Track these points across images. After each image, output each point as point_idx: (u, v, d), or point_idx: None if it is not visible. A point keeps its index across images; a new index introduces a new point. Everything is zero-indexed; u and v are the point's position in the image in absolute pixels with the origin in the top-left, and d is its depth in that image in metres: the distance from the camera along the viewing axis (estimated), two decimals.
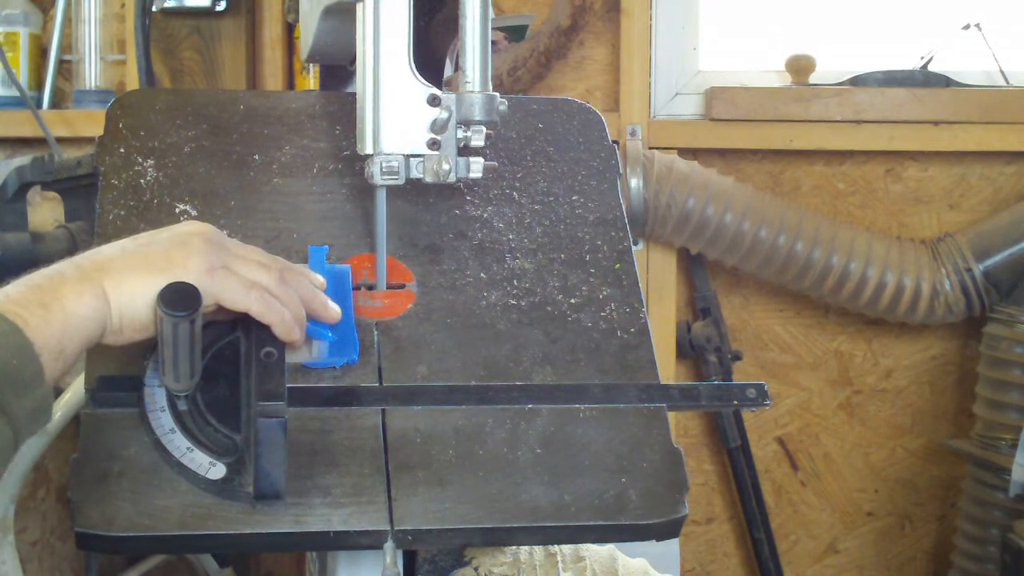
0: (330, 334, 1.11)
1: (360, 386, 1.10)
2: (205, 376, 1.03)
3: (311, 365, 1.11)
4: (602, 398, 1.12)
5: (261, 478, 0.99)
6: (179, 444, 1.02)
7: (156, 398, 1.04)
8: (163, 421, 1.03)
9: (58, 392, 1.63)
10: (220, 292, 1.02)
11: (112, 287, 0.99)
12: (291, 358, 1.06)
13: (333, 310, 1.10)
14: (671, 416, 1.13)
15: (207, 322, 1.05)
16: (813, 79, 2.52)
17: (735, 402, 1.16)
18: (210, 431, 1.03)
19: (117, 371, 1.05)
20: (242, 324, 1.07)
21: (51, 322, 0.95)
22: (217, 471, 1.01)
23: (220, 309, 1.05)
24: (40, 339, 0.94)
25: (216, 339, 1.07)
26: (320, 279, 1.12)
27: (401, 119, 1.15)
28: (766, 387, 1.16)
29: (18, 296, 0.96)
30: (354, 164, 1.27)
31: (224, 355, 1.06)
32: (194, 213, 1.20)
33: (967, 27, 2.55)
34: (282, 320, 1.05)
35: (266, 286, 1.05)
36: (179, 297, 0.98)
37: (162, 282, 0.99)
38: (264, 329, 1.04)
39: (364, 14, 1.15)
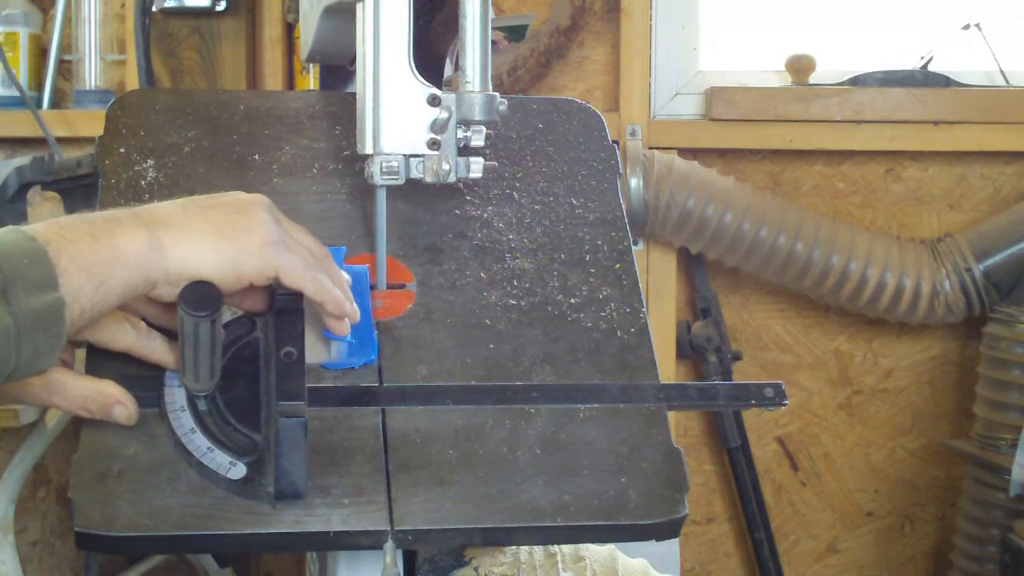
0: (349, 335, 1.12)
1: (380, 386, 1.10)
2: (225, 376, 1.03)
3: (330, 366, 1.11)
4: (619, 397, 1.12)
5: (281, 478, 0.99)
6: (199, 444, 1.02)
7: (176, 398, 1.04)
8: (183, 421, 1.03)
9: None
10: (281, 266, 1.03)
11: (172, 242, 1.00)
12: (310, 359, 1.06)
13: (355, 310, 1.10)
14: (671, 416, 1.13)
15: (226, 322, 1.05)
16: (813, 79, 2.53)
17: (753, 402, 1.16)
18: (230, 431, 1.03)
19: (116, 372, 1.05)
20: (262, 323, 1.07)
21: (97, 251, 0.96)
22: (237, 471, 1.01)
23: (245, 298, 1.06)
24: (84, 263, 0.94)
25: (236, 339, 1.07)
26: (347, 276, 1.12)
27: (401, 119, 1.15)
28: (783, 387, 1.15)
29: (69, 224, 0.97)
30: (354, 164, 1.27)
31: (243, 355, 1.06)
32: None
33: (967, 27, 2.55)
34: (334, 299, 1.06)
35: (318, 266, 1.06)
36: (200, 297, 0.98)
37: (227, 246, 1.01)
38: (284, 328, 1.04)
39: (364, 14, 1.15)
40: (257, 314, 1.08)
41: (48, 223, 0.96)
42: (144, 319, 1.05)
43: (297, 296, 1.06)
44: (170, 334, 1.05)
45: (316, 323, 1.10)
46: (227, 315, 1.07)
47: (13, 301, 0.91)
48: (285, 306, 1.05)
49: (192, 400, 1.04)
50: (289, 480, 0.99)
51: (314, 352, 1.09)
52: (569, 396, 1.12)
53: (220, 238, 1.01)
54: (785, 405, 1.15)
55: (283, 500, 0.99)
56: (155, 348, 1.05)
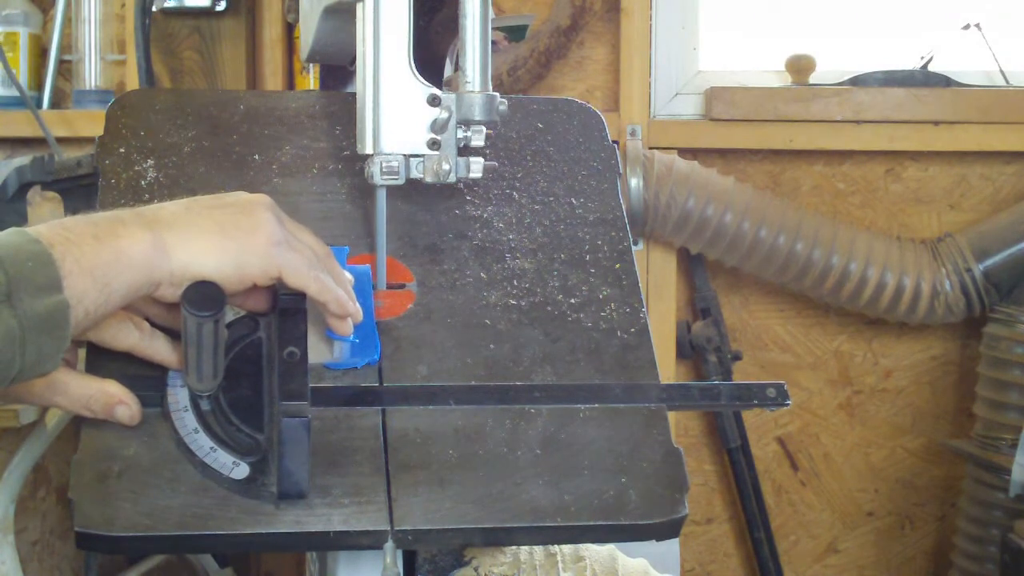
0: (352, 335, 1.12)
1: (382, 386, 1.10)
2: (228, 376, 1.03)
3: (333, 366, 1.11)
4: (622, 398, 1.12)
5: (284, 478, 0.99)
6: (202, 444, 1.02)
7: (179, 398, 1.04)
8: (186, 421, 1.03)
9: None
10: (284, 266, 1.03)
11: (176, 242, 1.00)
12: (313, 359, 1.06)
13: (358, 310, 1.10)
14: (671, 416, 1.13)
15: (229, 322, 1.05)
16: (813, 79, 2.52)
17: (755, 402, 1.16)
18: (233, 431, 1.03)
19: (118, 372, 1.05)
20: (265, 323, 1.07)
21: (101, 253, 0.96)
22: (241, 471, 1.01)
23: (248, 298, 1.06)
24: (88, 265, 0.94)
25: (239, 339, 1.07)
26: (349, 276, 1.12)
27: (401, 119, 1.15)
28: (786, 387, 1.16)
29: (73, 225, 0.97)
30: (354, 164, 1.27)
31: (246, 355, 1.07)
32: None
33: (967, 27, 2.55)
34: (337, 298, 1.07)
35: (320, 266, 1.06)
36: (203, 297, 0.98)
37: (230, 246, 1.01)
38: (287, 328, 1.04)
39: (364, 14, 1.15)
40: (260, 314, 1.08)
41: (52, 224, 0.96)
42: (147, 319, 1.05)
43: (300, 296, 1.06)
44: (173, 334, 1.05)
45: (319, 323, 1.10)
46: (230, 315, 1.07)
47: (18, 304, 0.91)
48: (288, 306, 1.05)
49: (195, 400, 1.04)
50: (292, 480, 0.99)
51: (317, 352, 1.09)
52: (572, 396, 1.12)
53: (223, 238, 1.01)
54: (787, 405, 1.15)
55: (286, 500, 1.00)
56: (158, 348, 1.05)
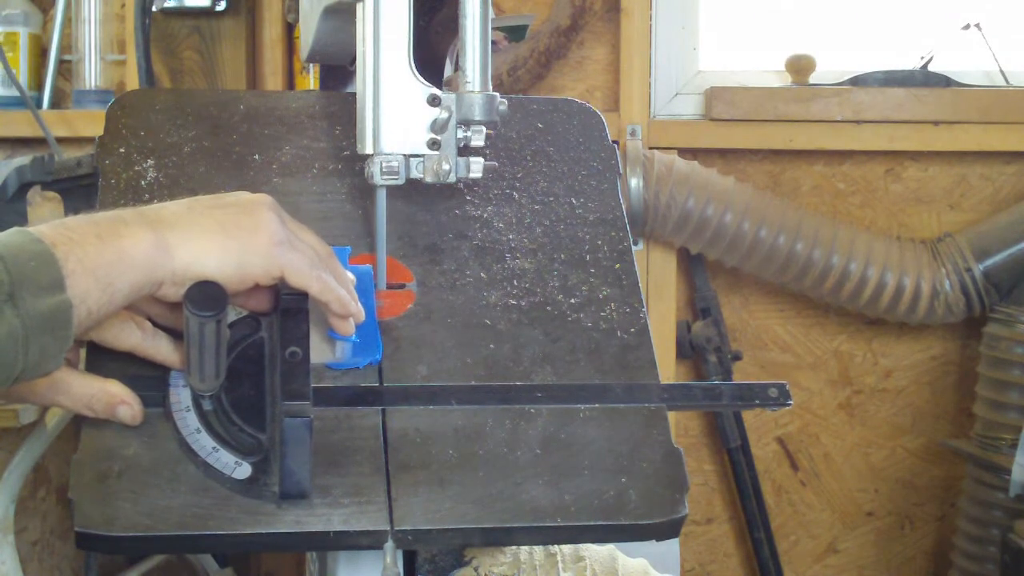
0: (354, 334, 1.12)
1: (384, 386, 1.10)
2: (230, 376, 1.03)
3: (335, 366, 1.11)
4: (623, 397, 1.12)
5: (286, 477, 0.99)
6: (204, 444, 1.02)
7: (181, 398, 1.04)
8: (188, 421, 1.03)
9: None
10: (286, 266, 1.04)
11: (178, 242, 1.00)
12: (315, 358, 1.06)
13: (360, 310, 1.10)
14: (671, 416, 1.13)
15: (232, 322, 1.05)
16: (813, 79, 2.53)
17: (757, 402, 1.16)
18: (235, 431, 1.03)
19: (118, 372, 1.05)
20: (267, 323, 1.07)
21: (104, 252, 0.96)
22: (243, 471, 1.01)
23: (250, 297, 1.06)
24: (91, 265, 0.95)
25: (241, 339, 1.07)
26: (352, 276, 1.12)
27: (401, 119, 1.15)
28: (788, 387, 1.16)
29: (75, 225, 0.97)
30: (354, 164, 1.27)
31: (248, 355, 1.07)
32: None
33: (967, 27, 2.55)
34: (339, 298, 1.07)
35: (323, 265, 1.07)
36: (205, 297, 0.99)
37: (232, 245, 1.01)
38: (289, 328, 1.04)
39: (364, 14, 1.15)
40: (262, 314, 1.09)
41: (54, 224, 0.97)
42: (149, 319, 1.05)
43: (302, 296, 1.06)
44: (175, 334, 1.05)
45: (321, 323, 1.10)
46: (232, 315, 1.07)
47: (21, 304, 0.91)
48: (290, 306, 1.06)
49: (197, 400, 1.04)
50: (294, 480, 0.99)
51: (319, 352, 1.09)
52: (573, 396, 1.12)
53: (226, 238, 1.02)
54: (789, 405, 1.15)
55: (288, 500, 1.00)
56: (160, 348, 1.05)
